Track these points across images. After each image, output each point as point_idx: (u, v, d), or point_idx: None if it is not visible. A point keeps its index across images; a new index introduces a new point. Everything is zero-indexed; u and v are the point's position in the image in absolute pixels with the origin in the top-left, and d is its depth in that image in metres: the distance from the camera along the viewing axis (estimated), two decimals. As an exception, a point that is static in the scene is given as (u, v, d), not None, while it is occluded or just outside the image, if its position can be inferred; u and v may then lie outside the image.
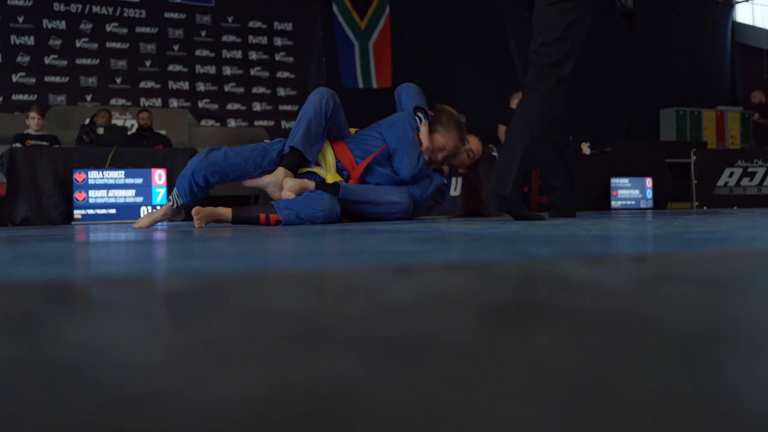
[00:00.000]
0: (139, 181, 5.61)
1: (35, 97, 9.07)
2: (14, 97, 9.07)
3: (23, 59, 9.17)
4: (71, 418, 0.27)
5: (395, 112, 3.59)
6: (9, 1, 9.13)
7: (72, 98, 9.31)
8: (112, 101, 9.46)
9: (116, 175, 5.56)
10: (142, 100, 9.63)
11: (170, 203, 3.26)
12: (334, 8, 10.41)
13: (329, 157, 3.32)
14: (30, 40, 9.21)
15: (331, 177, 3.26)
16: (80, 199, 5.44)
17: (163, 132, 8.23)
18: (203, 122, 9.84)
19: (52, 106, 8.87)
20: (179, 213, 3.32)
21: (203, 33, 10.08)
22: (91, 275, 0.97)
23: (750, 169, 7.08)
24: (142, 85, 9.72)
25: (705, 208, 6.83)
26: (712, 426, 0.25)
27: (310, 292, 0.70)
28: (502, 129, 7.92)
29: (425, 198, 3.43)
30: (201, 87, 10.00)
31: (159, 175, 5.66)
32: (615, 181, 7.44)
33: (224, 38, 10.16)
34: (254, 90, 10.26)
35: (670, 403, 0.28)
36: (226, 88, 10.13)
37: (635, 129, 11.97)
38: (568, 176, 3.29)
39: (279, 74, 10.41)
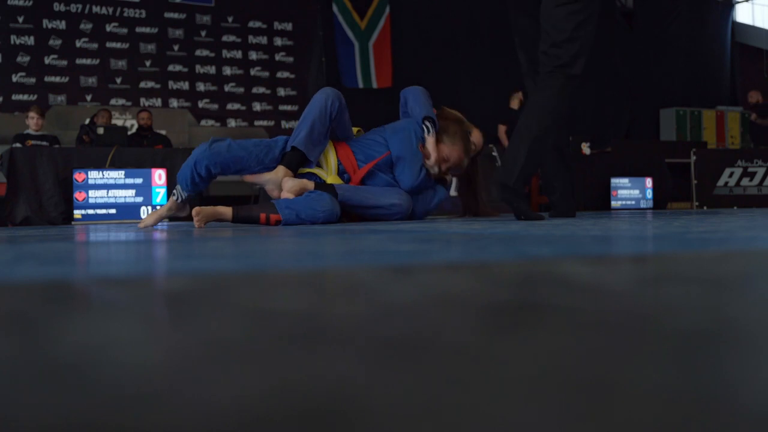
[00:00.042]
0: (139, 181, 5.61)
1: (35, 97, 9.07)
2: (14, 97, 9.07)
3: (23, 59, 9.17)
4: (71, 418, 0.27)
5: (398, 114, 3.57)
6: (9, 1, 9.13)
7: (72, 98, 9.32)
8: (112, 101, 9.46)
9: (116, 175, 5.56)
10: (142, 100, 9.63)
11: (174, 197, 3.25)
12: (334, 8, 10.41)
13: (331, 158, 3.31)
14: (30, 40, 9.21)
15: (331, 179, 3.26)
16: (80, 199, 5.44)
17: (163, 132, 8.23)
18: (203, 122, 9.84)
19: (52, 106, 8.87)
20: (183, 207, 3.28)
21: (203, 33, 10.08)
22: (91, 275, 0.97)
23: (750, 169, 7.09)
24: (142, 85, 9.73)
25: (705, 208, 6.84)
26: (712, 426, 0.25)
27: (310, 292, 0.70)
28: (502, 129, 7.92)
29: (427, 211, 3.42)
30: (201, 87, 10.01)
31: (159, 175, 5.66)
32: (615, 181, 7.45)
33: (224, 38, 10.16)
34: (254, 90, 10.26)
35: (670, 403, 0.28)
36: (226, 88, 10.13)
37: (635, 129, 11.98)
38: (568, 176, 3.29)
39: (279, 74, 10.41)
